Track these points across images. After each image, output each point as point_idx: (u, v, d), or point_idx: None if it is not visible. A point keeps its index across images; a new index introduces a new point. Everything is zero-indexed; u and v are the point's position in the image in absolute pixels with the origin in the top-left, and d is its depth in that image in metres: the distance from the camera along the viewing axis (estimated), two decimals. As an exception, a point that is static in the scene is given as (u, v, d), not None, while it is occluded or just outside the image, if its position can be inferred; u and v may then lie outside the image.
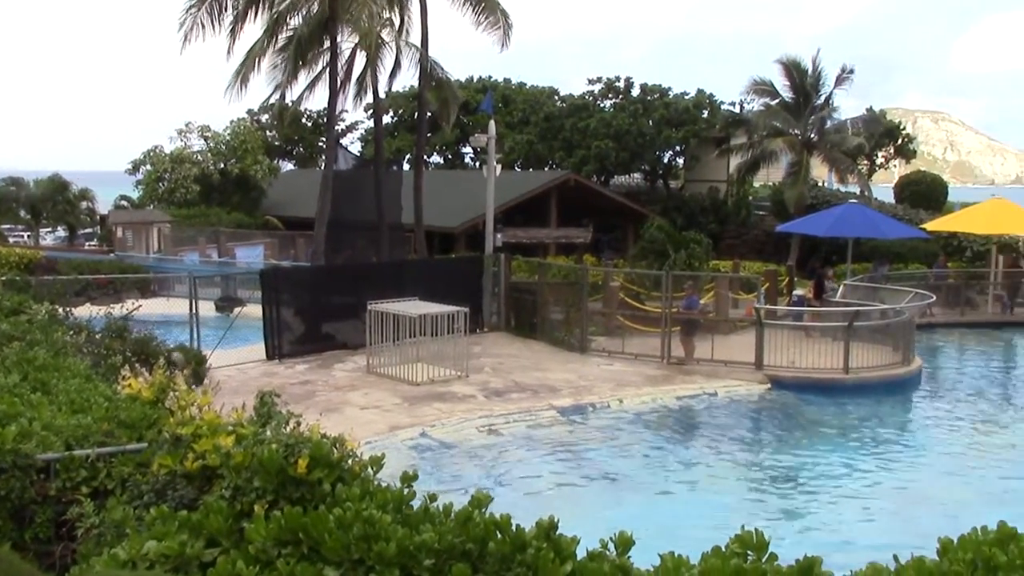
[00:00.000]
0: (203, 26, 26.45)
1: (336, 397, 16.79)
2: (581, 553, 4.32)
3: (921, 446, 16.11)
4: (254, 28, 27.99)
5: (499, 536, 4.34)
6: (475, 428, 15.28)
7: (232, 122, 48.78)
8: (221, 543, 4.69)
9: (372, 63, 29.24)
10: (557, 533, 4.38)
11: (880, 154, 48.41)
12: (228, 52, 27.60)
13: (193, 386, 9.36)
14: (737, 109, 44.99)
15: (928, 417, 18.17)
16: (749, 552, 4.03)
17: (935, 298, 24.17)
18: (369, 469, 5.37)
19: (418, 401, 16.57)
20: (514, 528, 4.38)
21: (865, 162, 43.61)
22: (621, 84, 46.30)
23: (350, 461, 5.40)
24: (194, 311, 19.24)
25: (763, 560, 3.98)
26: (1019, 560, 3.69)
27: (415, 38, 30.90)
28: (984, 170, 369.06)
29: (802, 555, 3.99)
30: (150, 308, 19.91)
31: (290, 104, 33.76)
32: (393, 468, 6.09)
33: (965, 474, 14.45)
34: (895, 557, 4.02)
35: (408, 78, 32.27)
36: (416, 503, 4.79)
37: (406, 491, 4.87)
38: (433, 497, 4.81)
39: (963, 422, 17.49)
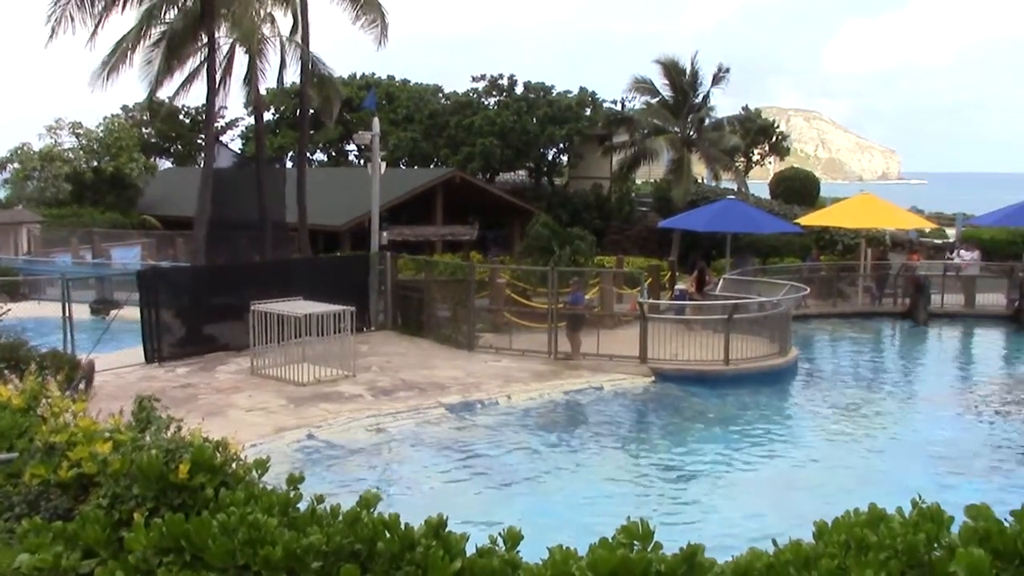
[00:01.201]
0: (72, 19, 25.48)
1: (219, 400, 16.42)
2: (471, 550, 4.33)
3: (798, 433, 16.68)
4: (125, 20, 27.15)
5: (388, 536, 4.31)
6: (363, 428, 15.16)
7: (106, 118, 47.12)
8: (99, 554, 4.53)
9: (252, 59, 28.66)
10: (446, 530, 4.37)
11: (756, 151, 49.87)
12: (90, 42, 26.55)
13: (67, 392, 9.02)
14: (619, 107, 45.69)
15: (804, 405, 18.82)
16: (635, 542, 4.09)
17: (809, 290, 25.06)
18: (254, 472, 5.26)
19: (304, 402, 16.33)
20: (403, 527, 4.35)
21: (742, 159, 44.84)
22: (505, 82, 46.49)
23: (234, 465, 5.28)
24: (67, 314, 18.52)
25: (648, 549, 4.05)
26: (888, 540, 3.84)
27: (295, 34, 30.41)
28: (853, 167, 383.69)
29: (685, 543, 4.08)
30: (20, 312, 19.11)
31: (166, 100, 32.82)
32: (279, 471, 5.98)
33: (839, 458, 15.03)
34: (774, 541, 4.15)
35: (290, 74, 31.81)
36: (303, 505, 4.72)
37: (292, 493, 4.79)
38: (320, 499, 4.75)
39: (837, 409, 18.18)
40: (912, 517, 4.06)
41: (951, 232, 41.92)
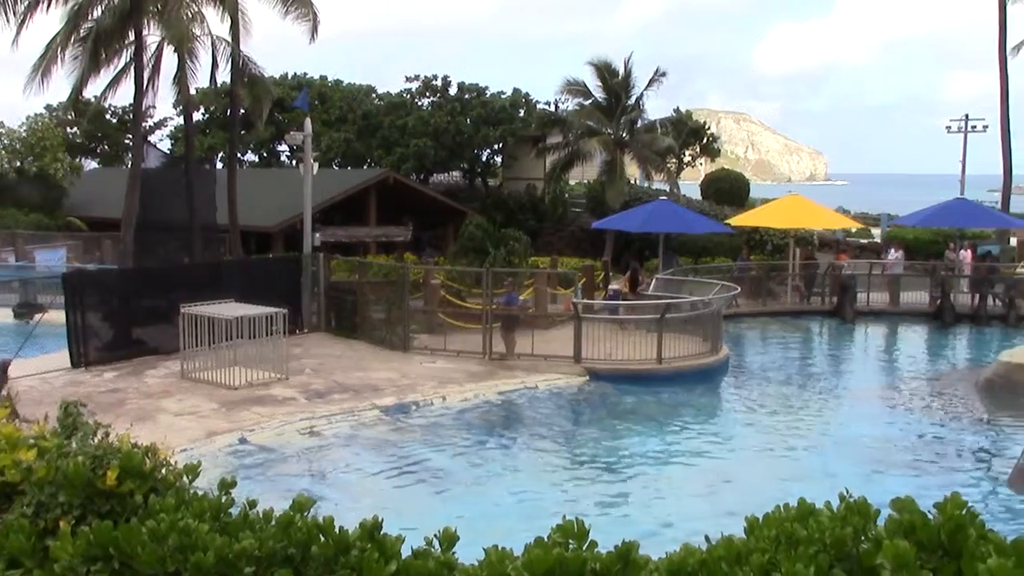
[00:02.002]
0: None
1: (148, 404, 16.11)
2: (406, 552, 4.31)
3: (730, 430, 16.92)
4: (51, 19, 26.52)
5: (322, 539, 4.27)
6: (296, 431, 15.01)
7: (29, 118, 45.95)
8: (23, 563, 4.42)
9: (182, 58, 28.20)
10: (382, 533, 4.35)
11: (687, 153, 50.45)
12: (13, 43, 25.91)
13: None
14: (552, 109, 45.89)
15: (736, 402, 19.10)
16: (571, 541, 4.11)
17: (740, 290, 25.45)
18: (184, 478, 5.18)
19: (236, 405, 16.11)
20: (337, 530, 4.32)
21: (673, 160, 45.35)
22: (439, 83, 46.39)
23: (164, 470, 5.18)
24: (-11, 319, 18.04)
25: (584, 548, 4.07)
26: (817, 534, 3.92)
27: (226, 32, 30.01)
28: (782, 168, 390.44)
29: (620, 541, 4.11)
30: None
31: (92, 99, 32.13)
32: (211, 475, 5.90)
33: (770, 454, 15.30)
34: (706, 538, 4.20)
35: (221, 74, 31.35)
36: (235, 510, 4.65)
37: (224, 498, 4.72)
38: (253, 503, 4.69)
39: (767, 405, 18.50)
40: (840, 511, 4.14)
41: (876, 232, 42.93)
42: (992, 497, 12.48)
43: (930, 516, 3.99)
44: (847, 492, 4.30)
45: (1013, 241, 38.27)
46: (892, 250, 33.26)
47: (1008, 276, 30.21)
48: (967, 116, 49.59)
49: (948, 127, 50.38)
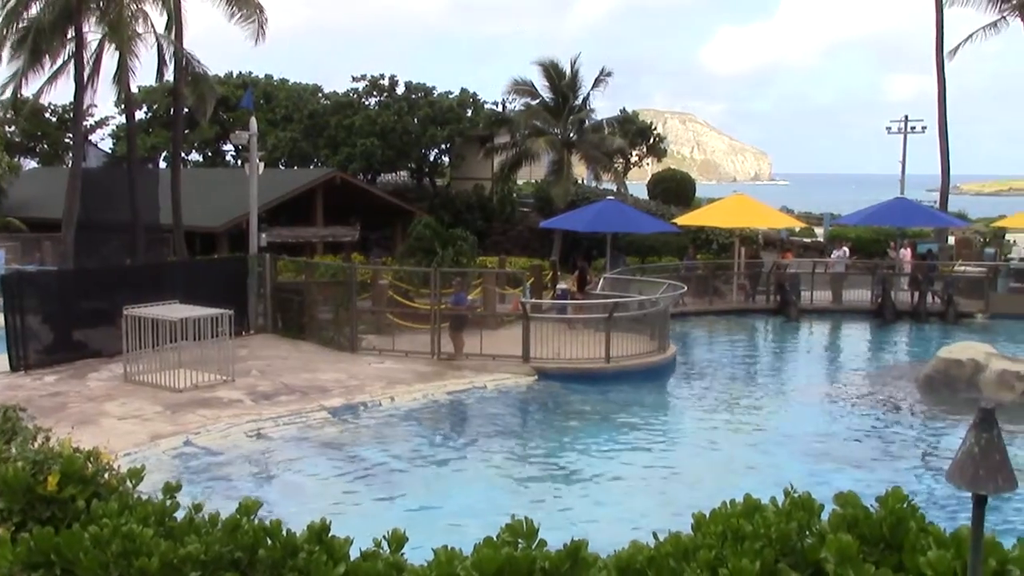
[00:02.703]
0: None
1: (90, 408, 15.83)
2: (355, 553, 4.29)
3: (677, 428, 17.09)
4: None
5: (269, 542, 4.24)
6: (243, 433, 14.85)
7: (-37, 116, 44.92)
8: (-39, 572, 4.33)
9: (123, 56, 27.76)
10: (330, 535, 4.33)
11: (634, 153, 50.78)
12: None
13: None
14: (500, 108, 45.92)
15: (683, 400, 19.28)
16: (520, 540, 4.13)
17: (686, 288, 25.69)
18: (128, 482, 5.11)
19: (181, 408, 15.89)
20: (285, 533, 4.30)
21: (621, 160, 45.61)
22: (386, 82, 46.17)
23: (107, 475, 5.11)
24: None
25: (533, 547, 4.09)
26: (763, 529, 3.97)
27: (168, 31, 29.59)
28: (727, 168, 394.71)
29: (569, 540, 4.13)
30: None
31: (30, 97, 31.49)
32: (155, 479, 5.83)
33: (717, 451, 15.46)
34: (654, 534, 4.24)
35: (163, 72, 30.85)
36: (180, 514, 4.60)
37: (169, 502, 4.67)
38: (199, 507, 4.64)
39: (714, 403, 18.70)
40: (785, 506, 4.21)
41: (819, 231, 43.59)
42: (932, 490, 12.75)
43: (872, 510, 4.07)
44: (792, 488, 4.36)
45: (951, 240, 39.10)
46: (839, 248, 33.80)
47: (946, 274, 30.87)
48: (907, 117, 50.52)
49: (888, 128, 51.30)
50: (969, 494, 3.37)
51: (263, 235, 26.11)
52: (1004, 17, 41.16)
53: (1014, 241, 39.95)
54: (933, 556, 3.67)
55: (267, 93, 49.84)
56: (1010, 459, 3.32)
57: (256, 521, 4.41)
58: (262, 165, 25.82)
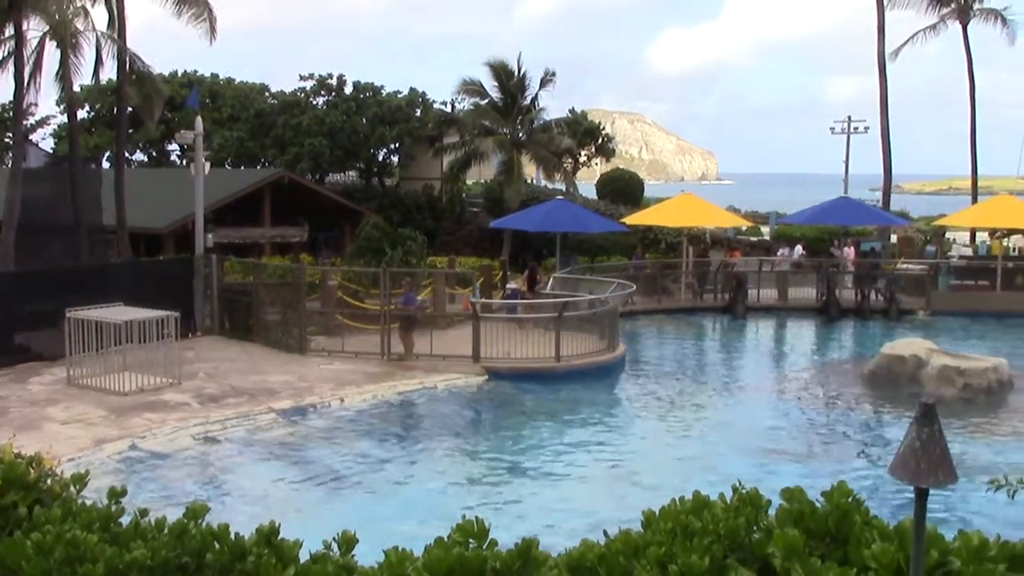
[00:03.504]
0: None
1: (33, 413, 15.53)
2: (304, 556, 4.26)
3: (627, 426, 17.20)
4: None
5: (217, 547, 4.20)
6: (190, 436, 14.67)
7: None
8: (-102, 582, 4.22)
9: (65, 54, 27.22)
10: (279, 538, 4.29)
11: (583, 153, 51.00)
12: None
13: None
14: (449, 108, 45.83)
15: (632, 398, 19.41)
16: (471, 540, 4.13)
17: (635, 287, 25.87)
18: (72, 488, 5.02)
19: (127, 412, 15.66)
20: (233, 537, 4.25)
21: (570, 160, 45.76)
22: (334, 81, 45.86)
23: (49, 481, 5.02)
24: None
25: (484, 547, 4.09)
26: (712, 526, 4.01)
27: (112, 28, 29.10)
28: (675, 168, 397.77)
29: (520, 539, 4.14)
30: None
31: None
32: (100, 484, 5.72)
33: (666, 448, 15.59)
34: (605, 532, 4.26)
35: (105, 71, 30.36)
36: (126, 520, 4.53)
37: (114, 508, 4.59)
38: (144, 512, 4.57)
39: (663, 400, 18.85)
40: (733, 502, 4.26)
41: (765, 230, 44.13)
42: (876, 484, 12.97)
43: (818, 504, 4.13)
44: (740, 484, 4.41)
45: (894, 238, 39.81)
46: (787, 248, 34.23)
47: (889, 272, 31.43)
48: (850, 118, 51.40)
49: (832, 128, 52.14)
50: (911, 487, 3.43)
51: (209, 236, 25.79)
52: (943, 20, 42.10)
53: (954, 239, 40.82)
54: (877, 549, 3.73)
55: (213, 92, 49.25)
56: (951, 453, 3.38)
57: (204, 525, 4.36)
58: (208, 165, 25.51)
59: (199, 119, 25.31)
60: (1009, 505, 5.37)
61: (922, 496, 3.40)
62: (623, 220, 33.50)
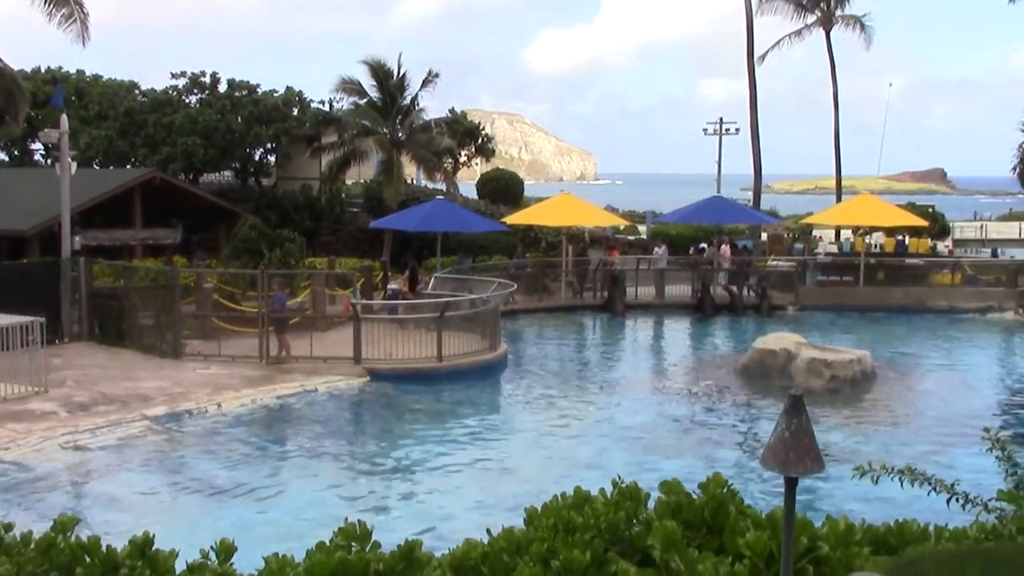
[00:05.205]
0: None
1: None
2: (181, 566, 4.16)
3: (510, 424, 17.31)
4: None
5: (88, 560, 4.06)
6: (58, 446, 14.12)
7: None
8: None
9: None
10: (153, 548, 4.18)
11: (463, 153, 51.07)
12: None
13: None
14: (327, 108, 45.25)
15: (515, 397, 19.54)
16: (353, 543, 4.10)
17: (516, 286, 26.04)
18: (-72, 504, 4.78)
19: (-12, 423, 14.95)
20: (105, 549, 4.12)
21: (450, 160, 45.74)
22: (207, 79, 44.72)
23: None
24: None
25: (367, 550, 4.07)
26: (593, 520, 4.08)
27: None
28: (554, 168, 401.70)
29: (403, 540, 4.13)
30: None
31: None
32: (-41, 500, 5.46)
33: (549, 445, 15.74)
34: (488, 531, 4.29)
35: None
36: (-11, 535, 4.33)
37: (-24, 524, 4.39)
38: (8, 527, 4.39)
39: (544, 398, 19.03)
40: (613, 497, 4.34)
41: (643, 229, 45.00)
42: (750, 474, 13.39)
43: (695, 496, 4.24)
44: (619, 478, 4.50)
45: (764, 236, 41.14)
46: (664, 246, 35.01)
47: (760, 269, 32.48)
48: (721, 119, 52.76)
49: (705, 130, 53.44)
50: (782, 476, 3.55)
51: (77, 238, 24.85)
52: (807, 26, 43.77)
53: (820, 237, 42.42)
54: (751, 537, 3.86)
55: (79, 89, 47.42)
56: (818, 442, 3.52)
57: (73, 538, 4.21)
58: (75, 165, 24.61)
59: (64, 117, 24.40)
60: (875, 489, 5.62)
61: (791, 485, 3.52)
62: (503, 220, 33.69)
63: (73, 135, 30.86)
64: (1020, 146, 36.24)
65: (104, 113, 45.75)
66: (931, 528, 4.41)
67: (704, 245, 36.52)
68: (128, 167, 43.61)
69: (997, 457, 5.42)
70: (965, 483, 5.30)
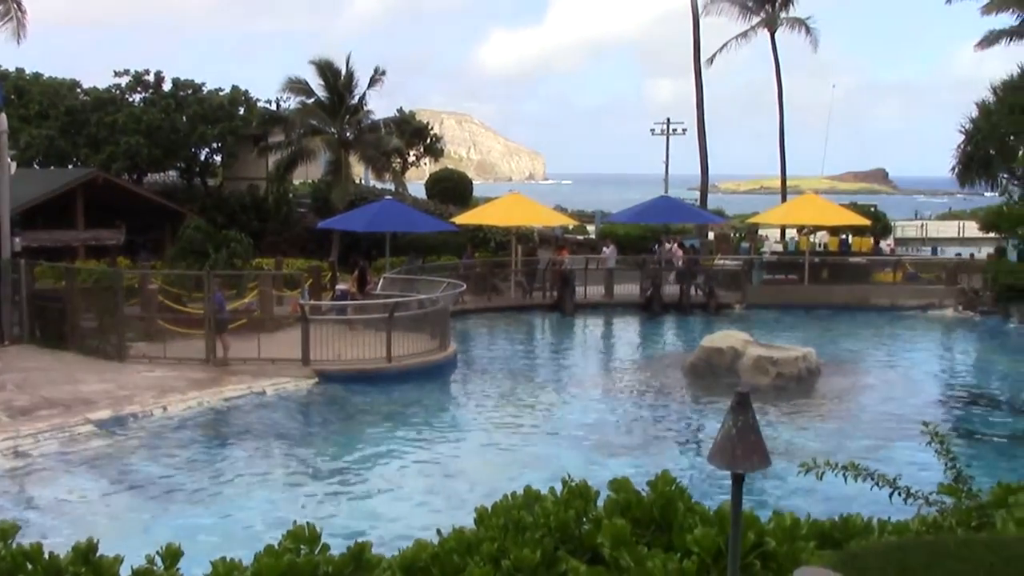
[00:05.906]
0: None
1: None
2: (126, 571, 4.10)
3: (460, 424, 17.28)
4: None
5: (30, 567, 3.98)
6: (-2, 453, 13.81)
7: None
8: None
9: None
10: (97, 554, 4.11)
11: (412, 153, 50.92)
12: None
13: None
14: (274, 107, 44.84)
15: (465, 397, 19.52)
16: (302, 546, 4.07)
17: (465, 287, 26.02)
18: None
19: (-75, 429, 14.60)
20: (47, 556, 4.04)
21: (398, 160, 45.58)
22: (151, 78, 44.09)
23: None
24: None
25: (316, 552, 4.04)
26: (543, 519, 4.09)
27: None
28: (503, 168, 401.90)
29: (353, 542, 4.11)
30: None
31: None
32: None
33: (499, 445, 15.75)
34: (438, 531, 4.28)
35: None
36: (-74, 544, 4.23)
37: (-88, 532, 4.29)
38: (-53, 535, 4.29)
39: (494, 398, 19.04)
40: (563, 496, 4.36)
41: (591, 229, 45.23)
42: (697, 471, 13.51)
43: (644, 494, 4.28)
44: (569, 477, 4.52)
45: (711, 235, 41.57)
46: (612, 246, 35.21)
47: (708, 268, 32.80)
48: (668, 120, 53.27)
49: (652, 130, 53.89)
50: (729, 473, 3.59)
51: (17, 239, 24.35)
52: (753, 28, 44.32)
53: (766, 236, 42.98)
54: (699, 533, 3.89)
55: (19, 88, 46.44)
56: (764, 439, 3.56)
57: (14, 546, 4.13)
58: (14, 164, 24.16)
59: (3, 116, 23.87)
60: (821, 485, 5.70)
61: (739, 481, 3.57)
62: (452, 220, 33.65)
63: (13, 134, 30.27)
64: (959, 147, 37.06)
65: (45, 112, 44.88)
66: (875, 522, 4.49)
67: (658, 244, 36.83)
68: (70, 167, 42.88)
69: (936, 451, 5.54)
70: (907, 477, 5.42)
